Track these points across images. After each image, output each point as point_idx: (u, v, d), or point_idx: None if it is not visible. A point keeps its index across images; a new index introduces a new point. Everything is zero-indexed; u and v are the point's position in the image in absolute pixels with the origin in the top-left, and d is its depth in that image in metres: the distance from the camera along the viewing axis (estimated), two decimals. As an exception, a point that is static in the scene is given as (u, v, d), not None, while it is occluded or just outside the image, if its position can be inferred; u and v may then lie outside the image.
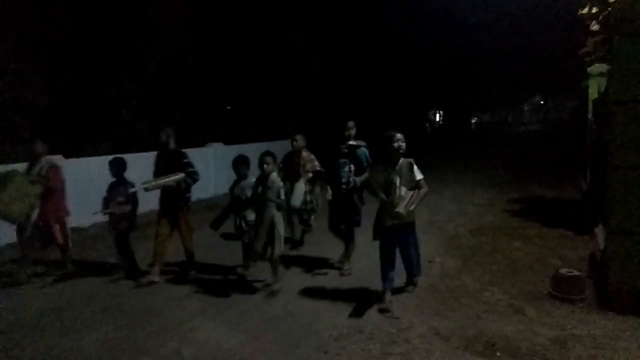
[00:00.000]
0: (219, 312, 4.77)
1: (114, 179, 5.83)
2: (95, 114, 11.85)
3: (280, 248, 5.18)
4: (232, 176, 5.68)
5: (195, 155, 7.34)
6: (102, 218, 6.30)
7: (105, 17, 10.99)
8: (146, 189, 5.44)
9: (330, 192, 5.80)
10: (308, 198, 6.40)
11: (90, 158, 9.04)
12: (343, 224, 5.88)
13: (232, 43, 15.61)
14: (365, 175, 5.60)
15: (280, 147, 9.18)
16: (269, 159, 5.18)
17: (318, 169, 6.61)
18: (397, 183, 4.53)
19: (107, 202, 5.76)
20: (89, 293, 5.41)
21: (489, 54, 34.13)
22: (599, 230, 5.64)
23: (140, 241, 6.90)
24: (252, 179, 5.51)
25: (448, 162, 18.63)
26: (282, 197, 5.19)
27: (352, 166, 5.62)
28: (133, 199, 5.75)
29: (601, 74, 8.42)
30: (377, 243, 4.82)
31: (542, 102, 69.40)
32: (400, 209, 4.37)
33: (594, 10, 8.16)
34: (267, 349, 3.99)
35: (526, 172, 14.83)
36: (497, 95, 48.45)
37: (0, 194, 5.34)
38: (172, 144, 5.80)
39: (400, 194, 4.49)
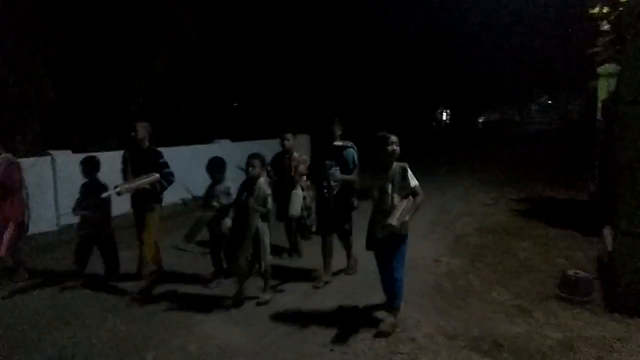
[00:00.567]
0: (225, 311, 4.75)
1: (86, 180, 5.42)
2: (102, 110, 11.89)
3: (269, 259, 4.78)
4: (239, 173, 5.29)
5: (202, 151, 7.27)
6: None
7: (113, 13, 11.02)
8: (119, 193, 5.00)
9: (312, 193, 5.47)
10: (307, 203, 5.82)
11: (96, 154, 8.99)
12: (336, 234, 5.49)
13: (235, 41, 15.64)
14: (352, 177, 5.21)
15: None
16: (255, 161, 4.66)
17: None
18: (390, 191, 4.07)
19: (79, 204, 5.36)
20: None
21: (496, 53, 33.94)
22: (607, 231, 5.59)
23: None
24: (227, 183, 5.17)
25: (454, 161, 18.57)
26: (269, 206, 4.66)
27: (337, 168, 5.16)
28: (105, 204, 5.31)
29: (610, 75, 8.37)
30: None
31: (549, 102, 69.18)
32: (393, 220, 3.80)
33: (605, 10, 8.12)
34: (272, 346, 3.99)
35: (533, 172, 14.74)
36: (504, 94, 48.25)
37: None
38: (147, 142, 5.32)
39: (392, 203, 4.03)
